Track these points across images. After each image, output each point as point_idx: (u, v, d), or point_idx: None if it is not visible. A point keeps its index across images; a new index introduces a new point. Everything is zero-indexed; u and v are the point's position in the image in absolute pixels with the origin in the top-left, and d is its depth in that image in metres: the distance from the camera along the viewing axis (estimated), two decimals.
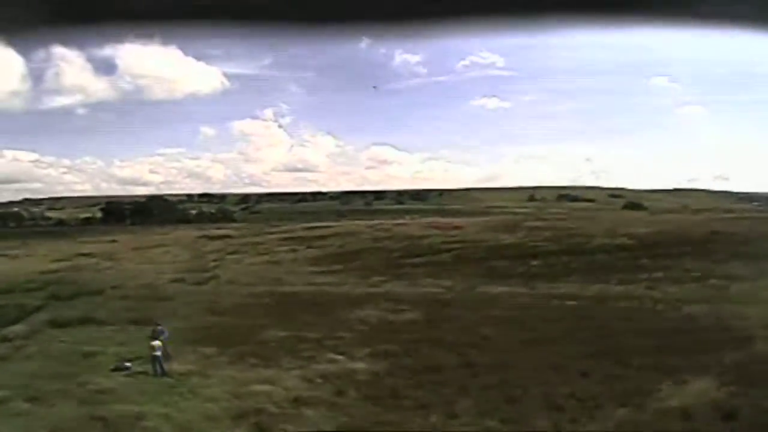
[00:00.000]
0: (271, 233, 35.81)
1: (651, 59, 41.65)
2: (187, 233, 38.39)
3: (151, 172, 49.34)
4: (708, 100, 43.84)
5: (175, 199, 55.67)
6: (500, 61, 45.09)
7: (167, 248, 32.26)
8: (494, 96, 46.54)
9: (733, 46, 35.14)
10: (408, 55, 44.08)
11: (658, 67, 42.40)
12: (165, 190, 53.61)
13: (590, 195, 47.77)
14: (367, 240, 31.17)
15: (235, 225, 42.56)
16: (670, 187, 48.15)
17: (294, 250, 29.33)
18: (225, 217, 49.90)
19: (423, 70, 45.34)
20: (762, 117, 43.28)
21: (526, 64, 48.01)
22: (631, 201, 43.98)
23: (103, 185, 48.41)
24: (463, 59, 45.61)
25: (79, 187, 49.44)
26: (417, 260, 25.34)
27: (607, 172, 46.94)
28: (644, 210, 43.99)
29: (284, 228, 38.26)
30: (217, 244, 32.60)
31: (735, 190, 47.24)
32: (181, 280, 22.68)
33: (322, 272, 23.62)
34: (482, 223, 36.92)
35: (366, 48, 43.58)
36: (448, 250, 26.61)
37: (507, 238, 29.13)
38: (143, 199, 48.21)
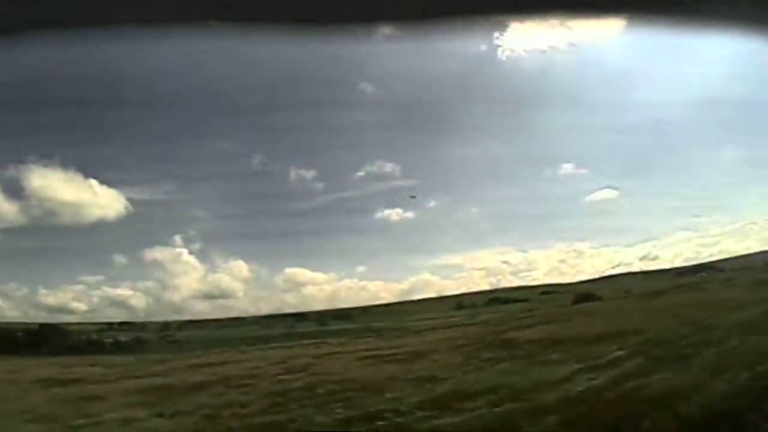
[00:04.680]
0: (141, 377, 27.02)
1: (553, 147, 39.08)
2: (48, 371, 29.87)
3: (75, 300, 43.78)
4: (618, 183, 40.28)
5: (95, 327, 49.28)
6: (397, 170, 40.87)
7: None
8: (397, 207, 41.42)
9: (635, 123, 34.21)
10: (302, 170, 40.11)
11: (562, 153, 40.18)
12: (91, 319, 48.50)
13: (520, 295, 41.98)
14: (270, 394, 21.03)
15: (125, 359, 34.39)
16: (596, 276, 41.61)
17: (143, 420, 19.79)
18: (135, 348, 42.15)
19: (320, 186, 40.93)
20: (675, 196, 40.53)
21: (424, 169, 43.99)
22: (582, 293, 38.10)
23: (32, 312, 42.58)
24: (359, 170, 41.66)
25: (9, 313, 43.80)
26: None
27: (528, 272, 40.54)
28: (598, 300, 36.78)
29: (170, 365, 29.53)
30: (48, 394, 23.81)
31: (667, 267, 41.86)
32: None
33: None
34: (448, 342, 28.46)
35: (260, 165, 40.11)
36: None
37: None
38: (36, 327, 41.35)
